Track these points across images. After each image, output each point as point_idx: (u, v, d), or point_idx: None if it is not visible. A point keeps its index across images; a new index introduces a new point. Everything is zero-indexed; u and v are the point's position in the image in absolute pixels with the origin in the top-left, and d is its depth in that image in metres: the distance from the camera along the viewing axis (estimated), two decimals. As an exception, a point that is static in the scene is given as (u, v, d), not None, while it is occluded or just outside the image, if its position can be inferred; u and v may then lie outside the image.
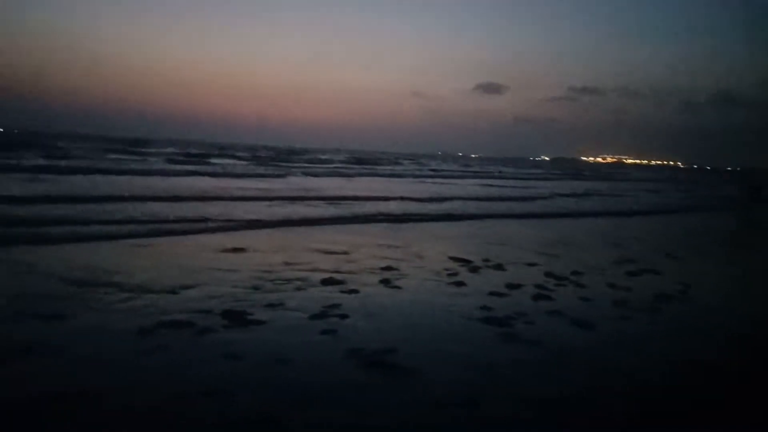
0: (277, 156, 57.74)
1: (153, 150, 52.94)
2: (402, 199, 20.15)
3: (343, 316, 5.98)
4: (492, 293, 7.20)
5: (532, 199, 24.71)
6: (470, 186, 32.29)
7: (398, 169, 49.95)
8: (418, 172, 46.33)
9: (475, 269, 8.70)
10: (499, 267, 8.94)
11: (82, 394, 3.98)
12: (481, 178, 43.90)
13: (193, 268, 7.90)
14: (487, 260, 9.36)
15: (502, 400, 4.23)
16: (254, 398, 4.06)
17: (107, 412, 3.78)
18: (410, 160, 79.60)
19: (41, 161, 28.38)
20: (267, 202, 16.87)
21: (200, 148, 65.24)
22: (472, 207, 19.15)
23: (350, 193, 21.52)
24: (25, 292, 6.35)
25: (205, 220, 12.45)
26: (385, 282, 7.61)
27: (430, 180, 36.77)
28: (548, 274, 8.47)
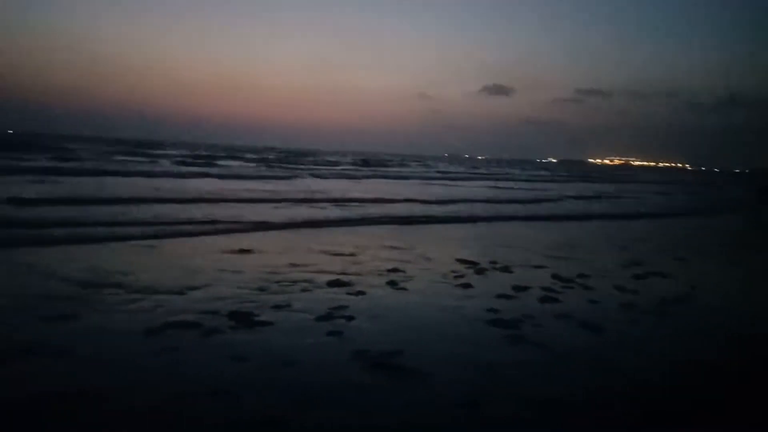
0: (284, 158, 57.88)
1: (160, 152, 53.21)
2: (409, 201, 20.16)
3: (350, 318, 5.99)
4: (499, 295, 7.18)
5: (539, 201, 24.63)
6: (477, 188, 32.24)
7: (405, 170, 49.94)
8: (425, 174, 46.30)
9: (481, 271, 8.68)
10: (506, 269, 8.92)
11: (87, 394, 3.99)
12: (488, 180, 43.84)
13: (200, 269, 7.92)
14: (494, 262, 9.34)
15: (509, 403, 4.22)
16: (260, 399, 4.06)
17: (114, 412, 3.80)
18: (417, 161, 79.59)
19: (49, 163, 28.59)
20: (274, 204, 16.92)
21: (207, 150, 65.53)
22: (479, 209, 19.12)
23: (357, 195, 21.54)
24: (34, 293, 6.38)
25: (213, 221, 12.49)
26: (392, 284, 7.61)
27: (437, 182, 36.74)
28: (555, 277, 8.44)
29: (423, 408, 4.07)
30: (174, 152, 54.54)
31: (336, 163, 54.39)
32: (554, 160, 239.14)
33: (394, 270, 8.40)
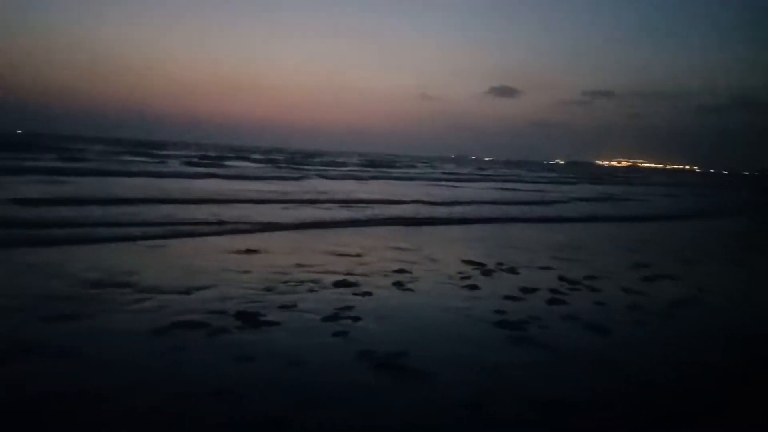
0: (291, 159, 58.00)
1: (167, 152, 53.46)
2: (416, 202, 20.16)
3: (356, 318, 5.99)
4: (506, 297, 7.17)
5: (547, 203, 24.56)
6: (484, 189, 32.17)
7: (412, 172, 49.93)
8: (431, 175, 46.26)
9: (488, 272, 8.67)
10: (512, 270, 8.90)
11: (92, 394, 4.01)
12: (496, 181, 43.76)
13: (207, 269, 7.94)
14: (500, 264, 9.33)
15: (514, 404, 4.21)
16: (265, 399, 4.07)
17: (119, 411, 3.81)
18: (424, 162, 79.57)
19: (56, 163, 28.75)
20: (282, 205, 16.95)
21: (214, 151, 65.74)
22: (486, 210, 19.07)
23: (364, 195, 21.56)
24: (39, 293, 6.41)
25: (221, 222, 12.53)
26: (398, 285, 7.61)
27: (444, 183, 36.70)
28: (562, 278, 8.41)
29: (428, 409, 4.07)
30: (180, 153, 54.76)
31: (342, 164, 54.44)
32: (561, 162, 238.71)
33: (401, 271, 8.40)
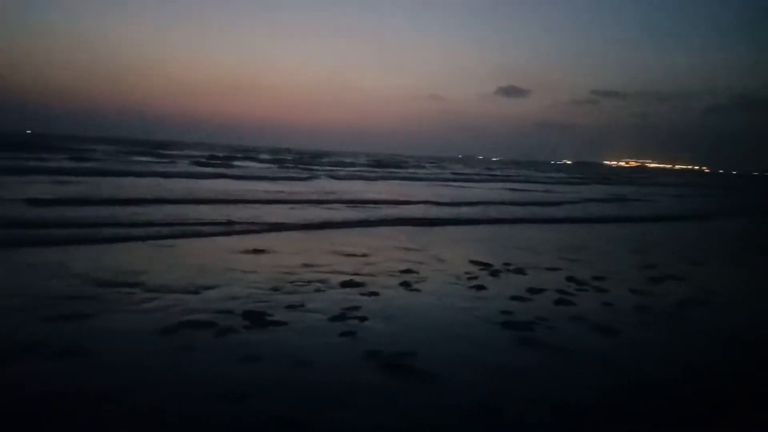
0: (300, 159, 58.11)
1: (176, 152, 53.66)
2: (424, 202, 20.15)
3: (363, 319, 6.00)
4: (513, 297, 7.16)
5: (555, 204, 24.47)
6: (492, 190, 32.11)
7: (420, 172, 49.89)
8: (439, 176, 46.23)
9: (495, 273, 8.65)
10: (520, 271, 8.89)
11: (97, 393, 4.03)
12: (503, 181, 43.68)
13: (215, 269, 7.98)
14: (507, 264, 9.31)
15: (521, 406, 4.21)
16: (272, 399, 4.09)
17: (126, 411, 3.83)
18: (432, 163, 79.50)
19: (65, 163, 28.96)
20: (290, 205, 16.99)
21: (215, 150, 65.92)
22: (493, 211, 19.04)
23: (372, 196, 21.58)
24: (49, 292, 6.45)
25: (229, 222, 12.57)
26: (405, 285, 7.61)
27: (452, 183, 36.67)
28: (570, 279, 8.40)
29: (434, 410, 4.07)
30: (188, 153, 54.96)
31: (351, 165, 54.48)
32: (569, 162, 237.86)
33: (408, 271, 8.40)
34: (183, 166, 35.37)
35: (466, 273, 8.53)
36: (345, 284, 7.42)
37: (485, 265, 9.11)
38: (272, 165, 45.60)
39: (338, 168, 46.23)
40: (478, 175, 53.60)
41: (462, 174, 51.64)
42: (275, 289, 6.98)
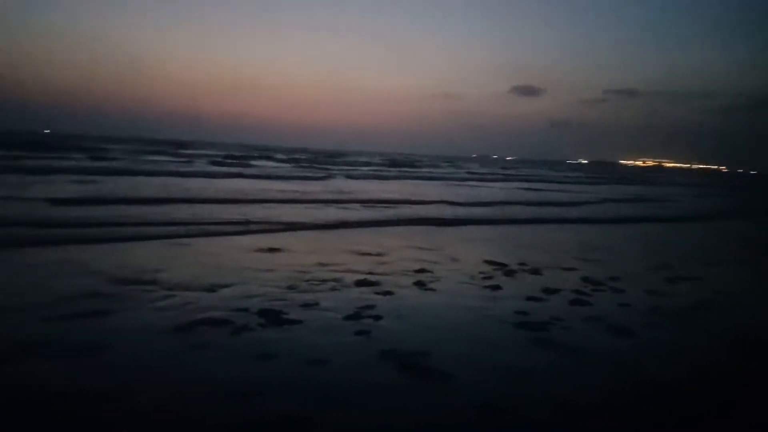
0: (315, 159, 58.28)
1: (192, 152, 54.12)
2: (439, 202, 20.13)
3: (377, 318, 6.01)
4: (528, 298, 7.14)
5: (572, 204, 24.32)
6: (508, 189, 31.97)
7: (435, 171, 49.80)
8: (455, 175, 46.12)
9: (510, 273, 8.63)
10: (535, 271, 8.85)
11: (110, 391, 4.08)
12: (519, 181, 43.48)
13: (231, 267, 8.03)
14: (523, 264, 9.28)
15: (537, 406, 4.19)
16: (287, 398, 4.11)
17: (139, 409, 3.88)
18: (447, 162, 79.33)
19: (83, 163, 29.35)
20: (305, 205, 17.06)
21: (239, 151, 66.35)
22: (508, 210, 18.98)
23: (387, 195, 21.60)
24: (67, 291, 6.53)
25: (246, 221, 12.66)
26: (420, 284, 7.62)
27: (467, 183, 36.58)
28: (585, 279, 8.35)
29: (450, 410, 4.07)
30: (205, 152, 55.41)
31: (366, 164, 54.54)
32: (585, 162, 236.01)
33: (422, 270, 8.41)
34: (200, 165, 35.71)
35: (481, 273, 8.51)
36: (360, 283, 7.44)
37: (500, 265, 9.08)
38: (288, 164, 45.81)
39: (353, 168, 46.31)
40: (493, 174, 53.36)
41: (477, 173, 51.48)
42: (291, 288, 7.02)
